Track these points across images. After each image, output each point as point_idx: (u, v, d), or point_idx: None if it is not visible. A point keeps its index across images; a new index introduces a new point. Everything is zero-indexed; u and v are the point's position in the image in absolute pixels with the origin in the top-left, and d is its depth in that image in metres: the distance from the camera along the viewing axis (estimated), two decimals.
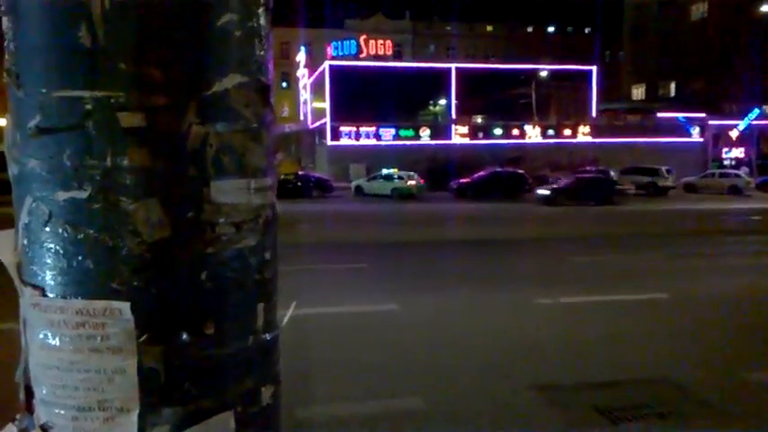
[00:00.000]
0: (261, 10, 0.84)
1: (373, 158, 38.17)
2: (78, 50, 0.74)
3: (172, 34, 0.76)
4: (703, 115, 45.73)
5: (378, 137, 41.13)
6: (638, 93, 61.16)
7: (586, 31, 75.25)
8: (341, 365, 5.46)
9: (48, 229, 0.78)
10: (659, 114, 46.82)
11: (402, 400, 4.73)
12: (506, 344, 6.25)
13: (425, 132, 41.97)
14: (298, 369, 4.88)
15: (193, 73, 0.77)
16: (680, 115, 45.72)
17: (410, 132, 41.73)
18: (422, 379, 5.18)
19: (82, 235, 0.76)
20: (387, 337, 6.39)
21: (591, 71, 46.86)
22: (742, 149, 44.89)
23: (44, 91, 0.76)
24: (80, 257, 0.77)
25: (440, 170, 36.02)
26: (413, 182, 31.93)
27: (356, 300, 7.94)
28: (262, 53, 0.84)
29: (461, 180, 32.52)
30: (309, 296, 7.65)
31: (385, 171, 33.11)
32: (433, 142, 41.30)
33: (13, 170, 0.80)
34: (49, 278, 0.79)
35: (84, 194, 0.76)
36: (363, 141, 40.90)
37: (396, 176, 32.37)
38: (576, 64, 48.95)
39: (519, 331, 6.73)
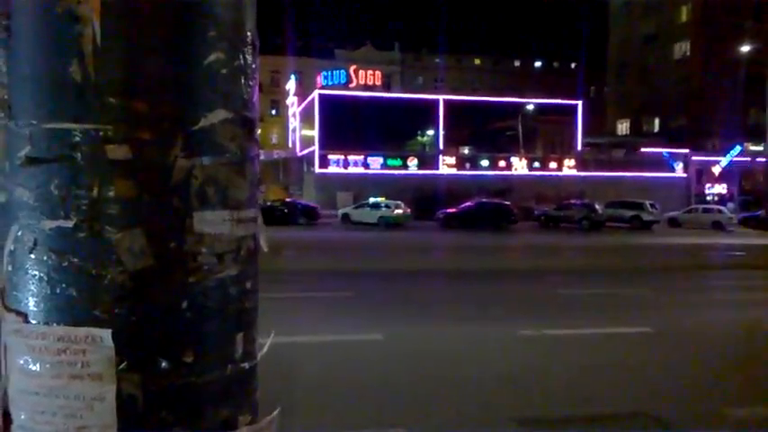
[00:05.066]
0: (247, 49, 0.87)
1: (361, 187, 38.32)
2: (69, 84, 0.77)
3: (160, 71, 0.78)
4: (686, 151, 46.50)
5: (366, 165, 41.36)
6: (623, 128, 62.09)
7: (572, 66, 76.61)
8: (324, 395, 5.41)
9: (33, 256, 0.79)
10: (643, 149, 47.54)
11: (385, 431, 4.69)
12: (489, 375, 6.23)
13: (413, 162, 42.29)
14: (280, 397, 4.83)
15: (180, 108, 0.80)
16: (664, 150, 46.46)
17: (398, 162, 42.03)
18: (405, 409, 5.15)
19: (66, 263, 0.78)
20: (371, 367, 6.36)
21: (576, 105, 47.60)
22: (724, 185, 45.57)
23: (34, 122, 0.78)
24: (63, 285, 0.78)
25: (427, 200, 36.20)
26: (399, 211, 32.03)
27: (341, 329, 7.90)
28: (248, 90, 0.87)
29: (448, 210, 32.69)
30: (294, 324, 7.60)
31: (372, 200, 33.21)
32: (421, 172, 41.59)
33: (0, 198, 0.82)
34: (32, 304, 0.80)
35: (69, 223, 0.77)
36: (351, 170, 41.09)
37: (383, 205, 32.47)
38: (562, 98, 49.72)
39: (502, 362, 6.73)
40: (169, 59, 0.79)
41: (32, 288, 0.79)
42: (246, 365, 0.89)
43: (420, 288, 12.18)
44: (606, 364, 6.76)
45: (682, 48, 55.21)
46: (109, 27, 0.77)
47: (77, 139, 0.77)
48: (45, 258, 0.79)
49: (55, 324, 0.79)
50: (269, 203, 32.39)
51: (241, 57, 0.86)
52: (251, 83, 0.88)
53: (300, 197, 39.89)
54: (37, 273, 0.79)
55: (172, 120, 0.79)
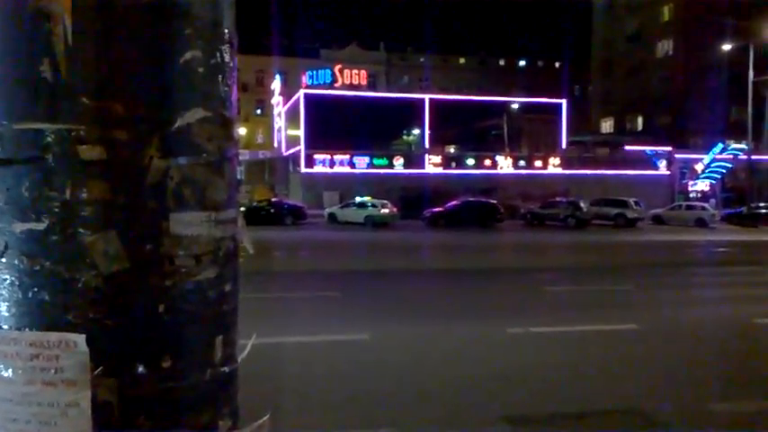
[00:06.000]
0: (224, 47, 0.85)
1: (347, 186, 38.25)
2: (40, 84, 0.75)
3: (135, 70, 0.77)
4: (670, 149, 46.87)
5: (352, 165, 41.28)
6: (607, 126, 62.49)
7: (556, 65, 76.98)
8: (312, 395, 5.39)
9: (3, 260, 0.77)
10: (627, 147, 47.84)
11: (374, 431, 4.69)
12: (478, 374, 6.24)
13: (399, 161, 42.26)
14: (267, 398, 4.81)
15: (156, 108, 0.78)
16: (647, 148, 46.79)
17: (384, 161, 41.98)
18: (394, 409, 5.14)
19: (38, 266, 0.76)
20: (358, 367, 6.34)
21: (561, 104, 47.80)
22: (707, 182, 46.00)
23: (5, 123, 0.76)
24: (36, 289, 0.76)
25: (413, 199, 36.16)
26: (386, 210, 32.02)
27: (328, 329, 7.87)
28: (225, 89, 0.86)
29: (434, 209, 32.76)
30: (281, 324, 7.57)
31: (358, 199, 33.16)
32: (407, 171, 41.57)
33: None
34: (3, 309, 0.78)
35: (41, 226, 0.76)
36: (337, 169, 40.99)
37: (369, 204, 32.44)
38: (547, 97, 49.91)
39: (490, 361, 6.73)
40: (144, 58, 0.77)
41: (3, 293, 0.77)
42: (226, 369, 0.87)
43: (407, 287, 12.18)
44: (594, 362, 6.79)
45: (665, 46, 55.65)
46: (81, 25, 0.75)
47: (49, 139, 0.75)
48: (16, 262, 0.77)
49: (27, 329, 0.77)
50: (255, 203, 32.25)
51: (218, 55, 0.84)
52: (229, 81, 0.87)
53: (287, 197, 39.70)
54: (8, 277, 0.77)
55: (147, 119, 0.77)
